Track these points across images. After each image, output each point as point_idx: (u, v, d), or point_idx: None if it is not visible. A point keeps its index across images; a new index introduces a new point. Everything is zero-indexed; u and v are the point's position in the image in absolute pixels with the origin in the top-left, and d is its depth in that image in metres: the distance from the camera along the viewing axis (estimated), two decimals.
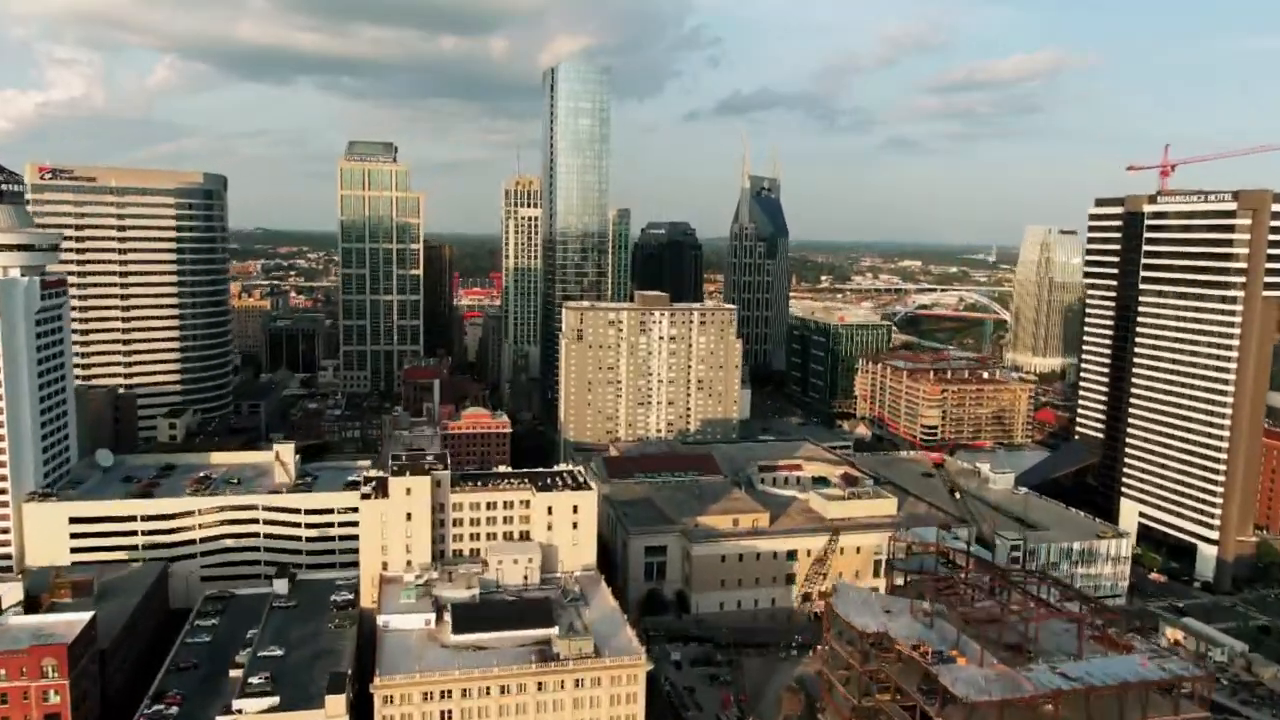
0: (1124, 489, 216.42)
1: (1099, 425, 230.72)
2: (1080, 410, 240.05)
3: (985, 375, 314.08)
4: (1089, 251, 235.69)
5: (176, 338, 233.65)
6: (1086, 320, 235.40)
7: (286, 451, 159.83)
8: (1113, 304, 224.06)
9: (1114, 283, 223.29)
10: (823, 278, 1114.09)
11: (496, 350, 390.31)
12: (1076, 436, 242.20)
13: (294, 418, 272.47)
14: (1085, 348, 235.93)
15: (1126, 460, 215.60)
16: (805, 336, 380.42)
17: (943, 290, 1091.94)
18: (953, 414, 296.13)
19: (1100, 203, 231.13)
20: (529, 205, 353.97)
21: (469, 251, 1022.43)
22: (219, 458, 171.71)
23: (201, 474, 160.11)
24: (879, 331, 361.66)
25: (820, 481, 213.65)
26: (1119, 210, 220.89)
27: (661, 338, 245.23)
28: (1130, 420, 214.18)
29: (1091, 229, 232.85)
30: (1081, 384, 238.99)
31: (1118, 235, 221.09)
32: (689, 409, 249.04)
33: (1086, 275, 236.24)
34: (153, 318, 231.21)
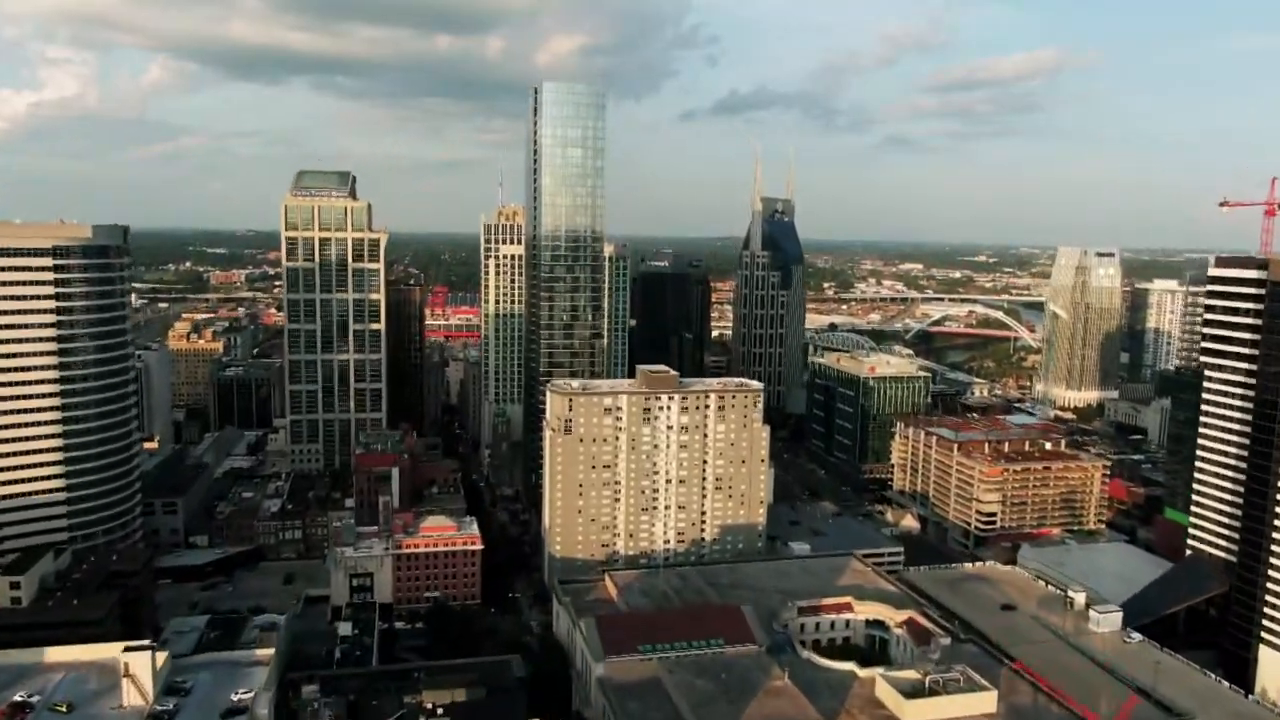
0: (1265, 634, 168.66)
1: (1225, 542, 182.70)
2: (1196, 518, 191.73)
3: (1048, 446, 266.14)
4: (1209, 323, 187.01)
5: (59, 434, 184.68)
6: (1206, 407, 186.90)
7: (140, 662, 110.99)
8: (1246, 390, 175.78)
9: (1248, 365, 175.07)
10: (825, 285, 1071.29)
11: (477, 400, 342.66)
12: (1189, 551, 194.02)
13: (220, 516, 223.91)
14: (1204, 442, 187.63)
15: (1269, 597, 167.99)
16: (830, 388, 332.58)
17: (950, 300, 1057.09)
18: (1014, 496, 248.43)
19: (1224, 262, 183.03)
20: (511, 241, 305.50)
21: (462, 258, 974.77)
22: (59, 654, 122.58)
23: (19, 696, 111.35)
24: (914, 385, 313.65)
25: (877, 626, 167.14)
26: (1259, 275, 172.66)
27: (670, 427, 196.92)
28: (1276, 545, 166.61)
29: (1213, 294, 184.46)
30: (1198, 486, 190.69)
31: (1255, 306, 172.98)
32: (704, 514, 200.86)
33: (1205, 352, 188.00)
34: (27, 408, 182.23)
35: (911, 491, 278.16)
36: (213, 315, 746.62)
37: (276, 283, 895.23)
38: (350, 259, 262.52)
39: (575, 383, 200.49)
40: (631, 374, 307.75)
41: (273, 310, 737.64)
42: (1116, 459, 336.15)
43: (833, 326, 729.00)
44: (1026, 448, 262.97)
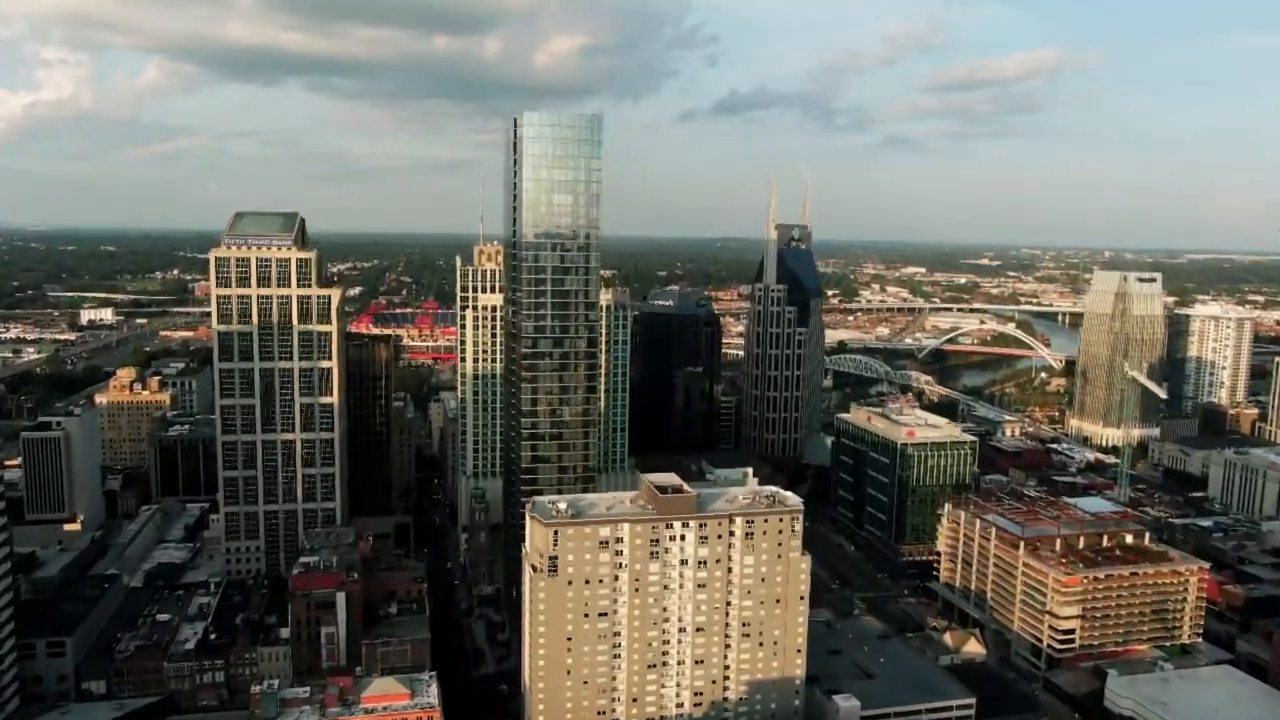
0: None
1: None
2: None
3: (1129, 539, 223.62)
4: None
5: None
6: None
7: None
8: None
9: None
10: (829, 293, 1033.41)
11: (456, 461, 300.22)
12: None
13: (121, 656, 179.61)
14: None
15: None
16: (860, 451, 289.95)
17: (959, 310, 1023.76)
18: (1095, 609, 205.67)
19: None
20: (490, 289, 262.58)
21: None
22: None
23: None
24: (959, 452, 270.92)
25: None
26: None
27: (685, 561, 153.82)
28: None
29: None
30: None
31: None
32: (728, 669, 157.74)
33: None
34: None
35: (963, 588, 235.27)
36: (191, 334, 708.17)
37: None
38: (296, 320, 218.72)
39: (563, 502, 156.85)
40: (634, 446, 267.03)
41: None
42: (1180, 523, 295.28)
43: (842, 344, 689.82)
44: (1105, 543, 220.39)
